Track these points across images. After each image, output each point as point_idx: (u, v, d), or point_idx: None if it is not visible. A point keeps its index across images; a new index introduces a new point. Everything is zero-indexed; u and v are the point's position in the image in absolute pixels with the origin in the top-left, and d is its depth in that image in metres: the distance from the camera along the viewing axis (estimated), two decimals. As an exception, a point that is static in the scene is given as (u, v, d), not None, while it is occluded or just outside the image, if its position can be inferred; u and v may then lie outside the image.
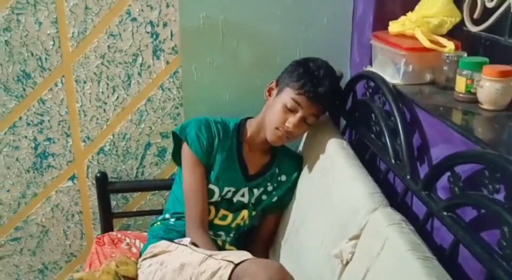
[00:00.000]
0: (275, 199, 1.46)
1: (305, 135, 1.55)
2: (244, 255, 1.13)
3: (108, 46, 1.55)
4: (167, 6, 1.53)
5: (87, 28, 1.52)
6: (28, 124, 1.59)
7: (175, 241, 1.32)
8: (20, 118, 1.58)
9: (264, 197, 1.45)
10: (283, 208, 1.49)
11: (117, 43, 1.55)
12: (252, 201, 1.43)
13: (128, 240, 1.59)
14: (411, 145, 1.15)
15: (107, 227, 1.67)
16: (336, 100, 1.49)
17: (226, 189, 1.40)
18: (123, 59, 1.56)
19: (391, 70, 1.32)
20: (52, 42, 1.52)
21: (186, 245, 1.27)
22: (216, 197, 1.40)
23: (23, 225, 1.70)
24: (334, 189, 1.22)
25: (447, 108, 1.08)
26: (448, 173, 0.98)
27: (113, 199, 1.69)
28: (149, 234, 1.47)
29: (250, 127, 1.45)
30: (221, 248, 1.41)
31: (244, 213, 1.43)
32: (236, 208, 1.42)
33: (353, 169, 1.21)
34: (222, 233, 1.43)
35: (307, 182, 1.42)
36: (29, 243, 1.73)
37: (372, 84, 1.40)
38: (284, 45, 1.61)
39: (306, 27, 1.61)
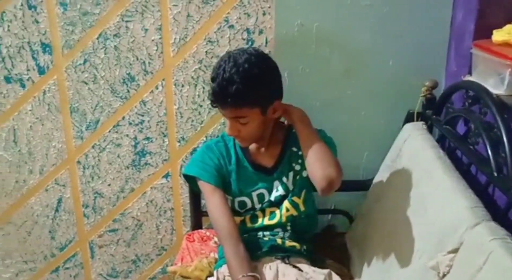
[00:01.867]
0: (306, 174, 1.38)
1: (395, 141, 1.54)
2: None
3: (206, 52, 1.62)
4: (264, 14, 1.58)
5: (187, 34, 1.60)
6: (130, 124, 1.71)
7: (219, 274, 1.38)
8: (123, 117, 1.70)
9: (297, 178, 1.42)
10: None
11: (214, 49, 1.62)
12: (290, 187, 1.42)
13: (216, 239, 1.65)
14: (517, 158, 1.11)
15: (196, 224, 1.74)
16: (260, 90, 1.28)
17: (255, 193, 1.42)
18: (219, 64, 1.64)
19: (493, 80, 1.28)
20: (155, 48, 1.62)
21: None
22: (250, 205, 1.43)
23: (120, 218, 1.82)
24: (431, 200, 1.20)
25: (558, 121, 1.04)
26: (561, 189, 0.94)
27: (202, 198, 1.75)
28: (218, 254, 1.51)
29: None
30: (280, 246, 1.41)
31: (285, 203, 1.42)
32: (278, 202, 1.42)
33: (452, 181, 1.18)
34: (278, 229, 1.43)
35: (397, 190, 1.40)
36: (124, 235, 1.84)
37: (471, 93, 1.36)
38: (376, 54, 1.61)
39: (400, 36, 1.59)
